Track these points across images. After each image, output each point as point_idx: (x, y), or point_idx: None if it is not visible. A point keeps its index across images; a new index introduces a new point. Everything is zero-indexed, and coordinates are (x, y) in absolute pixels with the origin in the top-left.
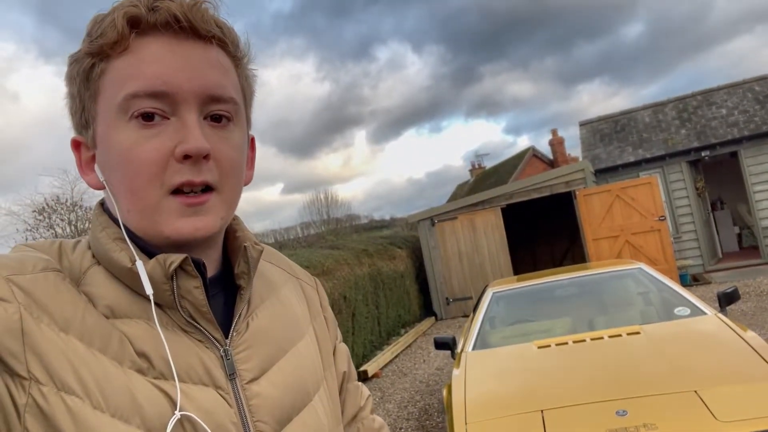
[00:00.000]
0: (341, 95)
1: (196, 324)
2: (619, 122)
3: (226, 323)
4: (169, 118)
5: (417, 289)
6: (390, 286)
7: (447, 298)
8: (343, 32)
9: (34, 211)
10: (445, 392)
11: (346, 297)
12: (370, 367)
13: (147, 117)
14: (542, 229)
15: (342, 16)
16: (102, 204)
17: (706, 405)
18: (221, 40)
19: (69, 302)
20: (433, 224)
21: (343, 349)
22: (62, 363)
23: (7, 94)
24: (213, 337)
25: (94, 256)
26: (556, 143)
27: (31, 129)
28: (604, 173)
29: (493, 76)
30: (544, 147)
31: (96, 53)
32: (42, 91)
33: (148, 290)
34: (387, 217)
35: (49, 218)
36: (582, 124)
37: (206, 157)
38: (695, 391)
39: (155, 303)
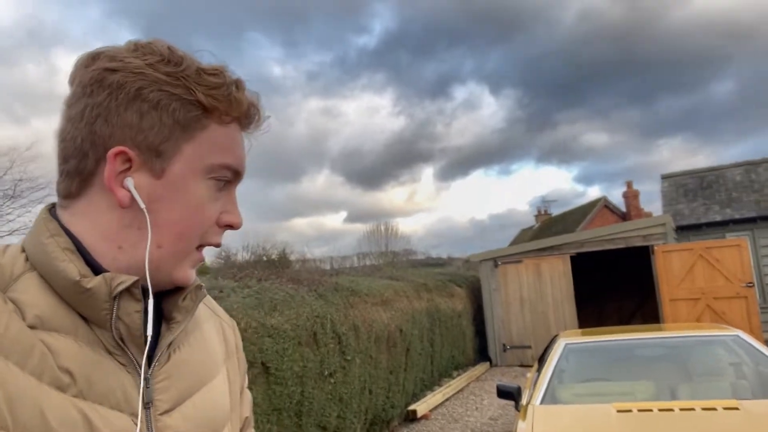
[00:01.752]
0: (414, 130)
1: (123, 347)
2: (706, 178)
3: (149, 352)
4: (224, 188)
5: (473, 331)
6: (446, 324)
7: (504, 345)
8: (423, 70)
9: None
10: None
11: (402, 330)
12: (420, 408)
13: (221, 184)
14: (610, 284)
15: (425, 54)
16: (50, 210)
17: None
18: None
19: None
20: (496, 265)
21: (248, 395)
22: None
23: None
24: (137, 362)
25: (28, 260)
26: (631, 196)
27: None
28: (685, 230)
29: (570, 124)
30: (615, 199)
31: (207, 108)
32: None
33: (149, 328)
34: (444, 256)
35: None
36: (664, 177)
37: None
38: None
39: (84, 318)
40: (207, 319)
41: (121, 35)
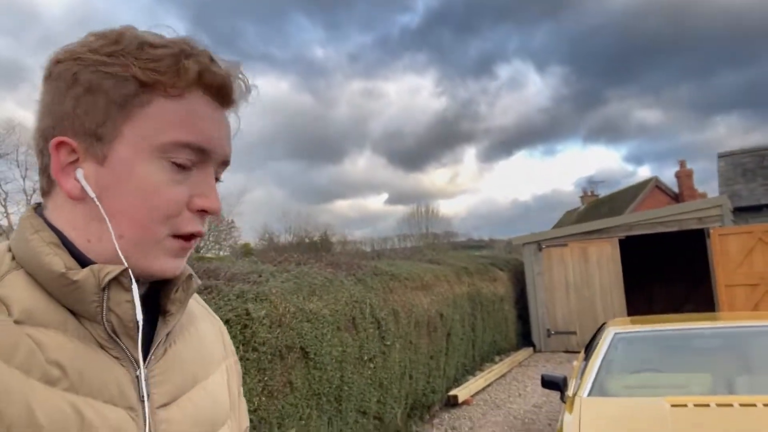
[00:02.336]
0: (457, 111)
1: (116, 340)
2: (766, 157)
3: (144, 346)
4: (191, 169)
5: (515, 316)
6: (488, 309)
7: (548, 330)
8: (467, 48)
9: None
10: None
11: (442, 315)
12: (461, 393)
13: (179, 164)
14: (660, 269)
15: (468, 32)
16: (35, 208)
17: None
18: (233, 107)
19: None
20: (540, 249)
21: (244, 402)
22: None
23: None
24: (131, 356)
25: (14, 259)
26: (684, 176)
27: None
28: (743, 212)
29: (619, 101)
30: (667, 179)
31: (146, 83)
32: None
33: (139, 314)
34: (486, 238)
35: None
36: (721, 156)
37: None
38: None
39: (74, 314)
40: (203, 318)
41: (168, 20)
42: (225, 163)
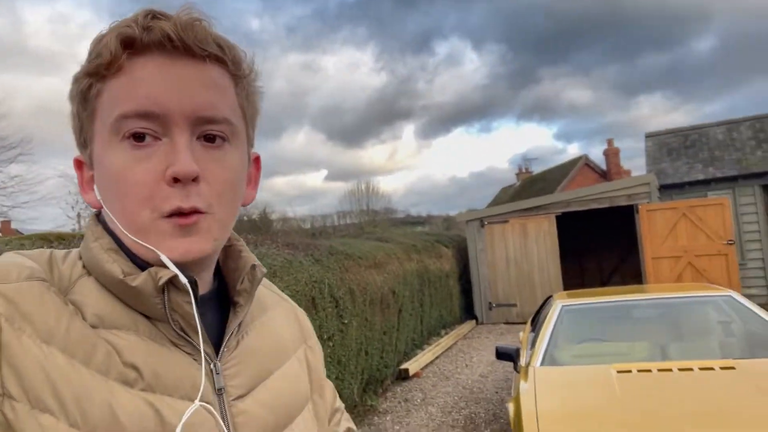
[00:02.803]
0: (396, 87)
1: (186, 337)
2: (689, 137)
3: (217, 340)
4: (160, 139)
5: (459, 291)
6: (435, 284)
7: (490, 303)
8: (406, 23)
9: None
10: (511, 406)
11: (395, 292)
12: (411, 367)
13: (138, 137)
14: (591, 243)
15: (408, 6)
16: (98, 215)
17: None
18: (218, 58)
19: (53, 312)
20: (482, 225)
21: (330, 384)
22: (40, 378)
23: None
24: (204, 350)
25: (84, 267)
26: (611, 154)
27: None
28: (669, 189)
29: (552, 80)
30: (595, 157)
31: (92, 73)
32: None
33: (173, 268)
34: (424, 214)
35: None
36: (648, 136)
37: (196, 179)
38: None
39: (145, 315)
40: (275, 305)
41: None
42: (205, 120)
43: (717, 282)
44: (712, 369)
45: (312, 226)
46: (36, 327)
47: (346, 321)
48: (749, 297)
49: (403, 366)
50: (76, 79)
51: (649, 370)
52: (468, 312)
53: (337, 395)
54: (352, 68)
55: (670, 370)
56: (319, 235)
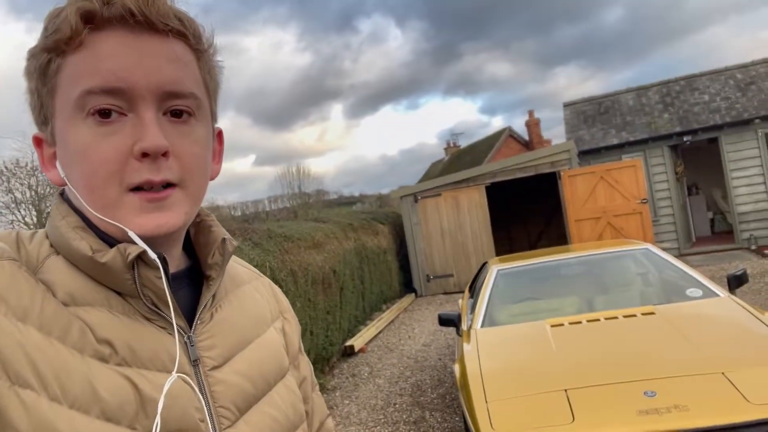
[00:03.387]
0: (321, 67)
1: (159, 312)
2: (603, 104)
3: (190, 314)
4: (126, 115)
5: (398, 266)
6: (374, 261)
7: (428, 275)
8: (328, 2)
9: None
10: (457, 368)
11: (335, 271)
12: (356, 342)
13: (103, 114)
14: (518, 210)
15: None
16: (62, 194)
17: (735, 387)
18: (180, 32)
19: (26, 291)
20: (416, 200)
21: (305, 358)
22: (18, 355)
23: None
24: (177, 324)
25: (52, 246)
26: (533, 124)
27: None
28: (586, 155)
29: (474, 55)
30: (518, 128)
31: (52, 49)
32: (10, 47)
33: (141, 244)
34: (356, 194)
35: (8, 182)
36: (566, 105)
37: (165, 154)
38: (722, 373)
39: (116, 292)
40: (250, 280)
41: None
42: (171, 95)
43: (633, 238)
44: (634, 316)
45: (243, 213)
46: (10, 306)
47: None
48: (663, 250)
49: (348, 343)
50: (33, 55)
51: (580, 322)
52: (407, 286)
53: (311, 370)
54: (275, 48)
55: (598, 320)
56: (253, 221)
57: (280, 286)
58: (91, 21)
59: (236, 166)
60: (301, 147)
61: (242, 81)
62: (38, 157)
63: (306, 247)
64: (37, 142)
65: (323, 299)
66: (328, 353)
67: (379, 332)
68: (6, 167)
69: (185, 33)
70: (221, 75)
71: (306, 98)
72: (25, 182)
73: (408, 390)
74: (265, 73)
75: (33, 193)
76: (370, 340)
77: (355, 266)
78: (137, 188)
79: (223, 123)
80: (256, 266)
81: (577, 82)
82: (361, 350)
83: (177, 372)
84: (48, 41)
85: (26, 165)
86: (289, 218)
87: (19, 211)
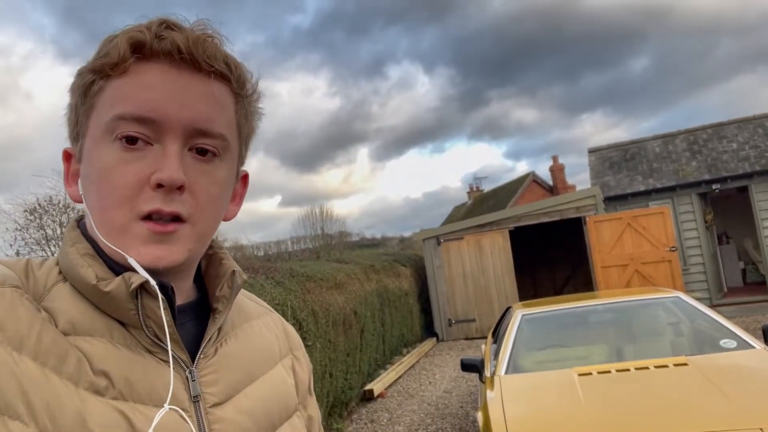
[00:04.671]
0: (350, 111)
1: (161, 344)
2: (629, 151)
3: (195, 348)
4: (152, 144)
5: (419, 309)
6: (395, 304)
7: (450, 319)
8: (359, 50)
9: (25, 210)
10: (480, 415)
11: (356, 312)
12: (376, 387)
13: (130, 140)
14: (543, 255)
15: (360, 34)
16: (78, 221)
17: None
18: (224, 75)
19: (25, 320)
20: (438, 243)
21: (314, 401)
22: (10, 385)
23: (21, 93)
24: (179, 357)
25: (61, 273)
26: (557, 170)
27: (41, 130)
28: (613, 201)
29: (500, 101)
30: (542, 173)
31: (98, 71)
32: (56, 91)
33: (143, 273)
34: (378, 236)
35: (40, 219)
36: (591, 151)
37: (181, 188)
38: (761, 429)
39: (120, 322)
40: (259, 315)
41: (35, 15)
42: (200, 132)
43: (662, 287)
44: (666, 366)
45: (266, 253)
46: (7, 334)
47: (309, 343)
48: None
49: (368, 387)
50: (80, 74)
51: (609, 371)
52: (428, 330)
53: (319, 413)
54: (306, 93)
55: (628, 369)
56: (276, 260)
57: (301, 326)
58: (139, 51)
59: (262, 206)
60: (326, 188)
61: (273, 124)
62: (64, 170)
63: (327, 287)
64: (66, 156)
65: (343, 341)
66: (346, 397)
67: (399, 377)
68: (39, 204)
69: (228, 76)
70: (259, 121)
71: (334, 141)
72: (57, 219)
73: None
74: (295, 116)
75: (63, 230)
76: (390, 385)
77: (377, 308)
78: (147, 218)
79: (252, 164)
80: (277, 305)
81: (603, 129)
82: (381, 395)
83: (174, 407)
84: (96, 63)
85: (58, 203)
86: (312, 258)
87: (50, 248)
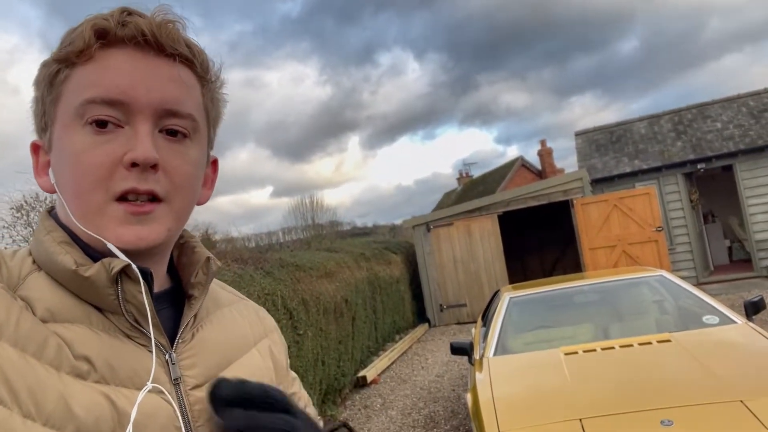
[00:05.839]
0: (341, 99)
1: (140, 328)
2: (615, 133)
3: (172, 334)
4: (123, 127)
5: (411, 295)
6: (387, 291)
7: (441, 305)
8: (349, 37)
9: (12, 208)
10: (469, 397)
11: (347, 300)
12: (369, 373)
13: (100, 124)
14: (531, 239)
15: (350, 21)
16: (49, 211)
17: (755, 415)
18: (188, 58)
19: (2, 307)
20: (428, 230)
21: (293, 374)
22: None
23: (8, 88)
24: (158, 342)
25: (35, 262)
26: (545, 154)
27: (28, 124)
28: (599, 183)
29: (490, 86)
30: (532, 158)
31: (63, 60)
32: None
33: (123, 257)
34: (369, 224)
35: (27, 216)
36: (578, 134)
37: (154, 167)
38: (741, 401)
39: (98, 308)
40: (231, 303)
41: (21, 8)
42: (169, 113)
43: (649, 267)
44: (650, 343)
45: (257, 244)
46: None
47: (301, 332)
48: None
49: (361, 373)
50: (45, 65)
51: (594, 350)
52: (420, 316)
53: (302, 387)
54: (296, 82)
55: (613, 348)
56: (266, 251)
57: (292, 315)
58: (103, 37)
59: (253, 197)
60: (318, 178)
61: (263, 114)
62: (33, 164)
63: (318, 276)
64: (35, 148)
65: (335, 329)
66: (340, 384)
67: (392, 363)
68: (26, 201)
69: (192, 60)
70: (224, 107)
71: (325, 130)
72: None
73: (421, 422)
74: (285, 106)
75: None
76: (383, 371)
77: (368, 296)
78: (123, 199)
79: (243, 155)
80: (267, 295)
81: (593, 112)
82: (374, 381)
83: (156, 391)
84: (60, 53)
85: (45, 199)
86: (302, 249)
87: (20, 247)
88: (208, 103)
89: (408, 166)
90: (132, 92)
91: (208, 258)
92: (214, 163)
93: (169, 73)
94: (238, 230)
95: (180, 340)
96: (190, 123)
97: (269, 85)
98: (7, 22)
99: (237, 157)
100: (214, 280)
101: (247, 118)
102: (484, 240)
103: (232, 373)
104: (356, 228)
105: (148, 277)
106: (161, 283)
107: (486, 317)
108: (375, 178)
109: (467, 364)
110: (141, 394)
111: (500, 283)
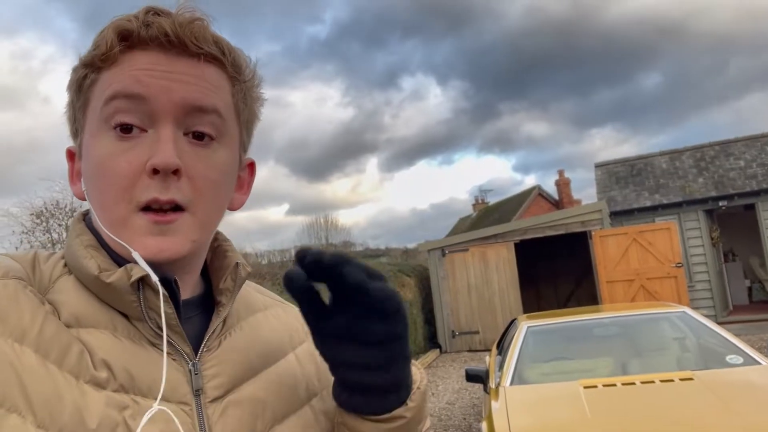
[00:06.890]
0: (362, 121)
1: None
2: (636, 166)
3: (199, 342)
4: (146, 131)
5: (423, 320)
6: None
7: (453, 331)
8: (373, 61)
9: (32, 214)
10: (484, 425)
11: None
12: None
13: (125, 129)
14: (545, 269)
15: (375, 45)
16: (84, 214)
17: None
18: (215, 57)
19: (27, 311)
20: (443, 254)
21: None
22: (10, 377)
23: (39, 96)
24: (182, 350)
25: (66, 266)
26: (563, 184)
27: (56, 133)
28: (618, 216)
29: (511, 114)
30: (549, 187)
31: (89, 64)
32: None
33: (144, 267)
34: (382, 246)
35: (47, 222)
36: (598, 166)
37: (177, 173)
38: None
39: (122, 314)
40: (267, 307)
41: (58, 21)
42: (192, 109)
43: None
44: (672, 381)
45: (269, 261)
46: (9, 325)
47: None
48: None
49: None
50: (74, 70)
51: (614, 385)
52: (432, 341)
53: None
54: (319, 103)
55: (634, 383)
56: (280, 269)
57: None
58: (126, 39)
59: (270, 214)
60: (334, 198)
61: (285, 132)
62: (68, 170)
63: None
64: (70, 155)
65: None
66: None
67: None
68: (46, 208)
69: (221, 59)
70: (260, 106)
71: (344, 151)
72: (63, 223)
73: None
74: (307, 125)
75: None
76: None
77: None
78: (147, 208)
79: (262, 172)
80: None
81: (613, 145)
82: None
83: (179, 402)
84: (86, 57)
85: (65, 206)
86: None
87: (55, 251)
88: (240, 103)
89: (424, 190)
90: (152, 86)
91: (237, 263)
92: (251, 165)
93: (193, 73)
94: (253, 246)
95: (205, 349)
96: (217, 119)
97: (293, 104)
98: (45, 33)
99: (257, 174)
100: (251, 283)
101: (270, 136)
102: (499, 267)
103: (257, 383)
104: (369, 249)
105: (172, 284)
106: (192, 289)
107: (501, 345)
108: (390, 200)
109: (479, 393)
110: (145, 418)
111: (514, 312)
